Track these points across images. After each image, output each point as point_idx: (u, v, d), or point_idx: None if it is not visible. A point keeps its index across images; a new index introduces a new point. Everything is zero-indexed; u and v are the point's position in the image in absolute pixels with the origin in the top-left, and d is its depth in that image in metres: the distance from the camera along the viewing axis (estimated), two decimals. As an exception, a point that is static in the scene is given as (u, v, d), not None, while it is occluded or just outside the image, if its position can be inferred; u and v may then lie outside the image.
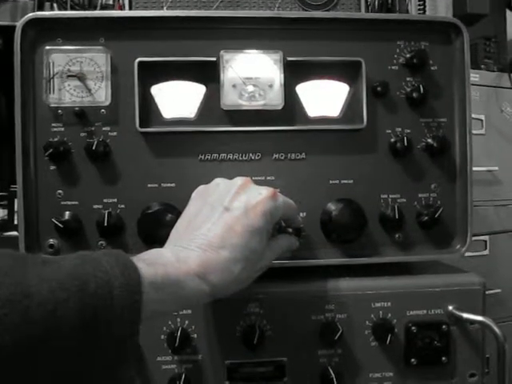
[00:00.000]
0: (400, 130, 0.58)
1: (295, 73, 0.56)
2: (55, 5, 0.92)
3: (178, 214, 0.50)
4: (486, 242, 1.18)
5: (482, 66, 1.20)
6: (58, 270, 0.34)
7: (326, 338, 0.52)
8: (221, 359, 0.53)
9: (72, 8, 0.91)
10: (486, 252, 1.18)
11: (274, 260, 0.50)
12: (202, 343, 0.53)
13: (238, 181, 0.48)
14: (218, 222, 0.44)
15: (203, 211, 0.46)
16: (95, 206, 0.54)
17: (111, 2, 0.92)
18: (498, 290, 1.16)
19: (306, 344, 0.54)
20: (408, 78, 0.58)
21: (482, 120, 1.15)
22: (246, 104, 0.55)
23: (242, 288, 0.46)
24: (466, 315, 0.54)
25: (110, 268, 0.35)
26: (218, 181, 0.50)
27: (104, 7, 0.91)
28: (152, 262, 0.40)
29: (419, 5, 1.10)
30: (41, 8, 0.91)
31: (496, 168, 1.17)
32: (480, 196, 1.12)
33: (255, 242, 0.45)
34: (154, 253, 0.43)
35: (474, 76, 1.12)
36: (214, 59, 0.55)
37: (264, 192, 0.47)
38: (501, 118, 1.19)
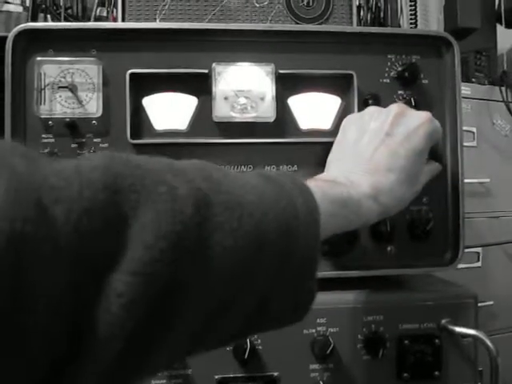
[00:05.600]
0: (391, 142, 0.58)
1: (287, 85, 0.57)
2: (49, 16, 0.92)
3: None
4: (478, 253, 1.18)
5: (474, 80, 1.22)
6: (249, 184, 0.34)
7: (318, 352, 0.52)
8: (211, 374, 0.52)
9: (66, 19, 0.91)
10: (479, 264, 1.18)
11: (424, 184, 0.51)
12: (192, 357, 0.52)
13: (395, 107, 0.49)
14: (382, 147, 0.46)
15: (364, 138, 0.48)
16: (85, 218, 0.53)
17: (105, 14, 0.92)
18: (491, 303, 1.16)
19: (297, 358, 0.53)
20: (399, 91, 0.58)
21: (473, 132, 1.15)
22: (237, 116, 0.55)
23: (402, 209, 0.48)
24: (458, 329, 0.53)
25: (290, 188, 0.36)
26: (372, 109, 0.51)
27: (98, 19, 0.91)
28: (332, 186, 0.42)
29: (411, 19, 1.11)
30: (34, 19, 0.91)
31: (488, 180, 1.17)
32: (472, 208, 1.12)
33: (417, 165, 0.47)
34: (329, 176, 0.45)
35: (466, 89, 1.13)
36: (206, 71, 0.55)
37: (423, 115, 0.48)
38: (492, 130, 1.19)
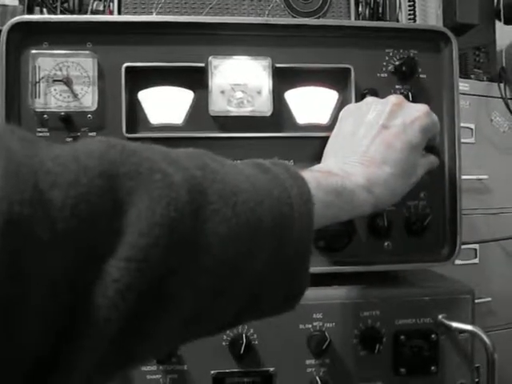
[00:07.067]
0: (389, 137, 0.57)
1: (284, 79, 0.56)
2: (45, 9, 0.92)
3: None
4: (476, 250, 1.18)
5: (472, 76, 1.21)
6: (244, 173, 0.35)
7: (314, 348, 0.52)
8: (207, 369, 0.52)
9: (62, 13, 0.91)
10: (477, 260, 1.18)
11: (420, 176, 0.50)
12: (187, 353, 0.52)
13: (392, 98, 0.49)
14: (378, 139, 0.46)
15: (360, 130, 0.48)
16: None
17: (101, 8, 0.91)
18: (489, 299, 1.16)
19: (293, 354, 0.53)
20: (397, 86, 0.58)
21: (472, 129, 1.15)
22: (234, 110, 0.55)
23: (396, 202, 0.48)
24: (455, 324, 0.53)
25: (284, 178, 0.36)
26: (370, 100, 0.50)
27: (94, 12, 0.91)
28: (326, 176, 0.41)
29: (409, 14, 1.10)
30: (30, 12, 0.90)
31: (486, 176, 1.17)
32: (470, 204, 1.12)
33: (413, 158, 0.47)
34: (324, 167, 0.45)
35: (464, 85, 1.13)
36: (203, 65, 0.55)
37: (420, 108, 0.48)
38: (490, 127, 1.19)
